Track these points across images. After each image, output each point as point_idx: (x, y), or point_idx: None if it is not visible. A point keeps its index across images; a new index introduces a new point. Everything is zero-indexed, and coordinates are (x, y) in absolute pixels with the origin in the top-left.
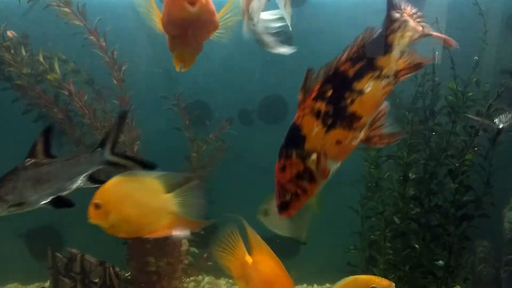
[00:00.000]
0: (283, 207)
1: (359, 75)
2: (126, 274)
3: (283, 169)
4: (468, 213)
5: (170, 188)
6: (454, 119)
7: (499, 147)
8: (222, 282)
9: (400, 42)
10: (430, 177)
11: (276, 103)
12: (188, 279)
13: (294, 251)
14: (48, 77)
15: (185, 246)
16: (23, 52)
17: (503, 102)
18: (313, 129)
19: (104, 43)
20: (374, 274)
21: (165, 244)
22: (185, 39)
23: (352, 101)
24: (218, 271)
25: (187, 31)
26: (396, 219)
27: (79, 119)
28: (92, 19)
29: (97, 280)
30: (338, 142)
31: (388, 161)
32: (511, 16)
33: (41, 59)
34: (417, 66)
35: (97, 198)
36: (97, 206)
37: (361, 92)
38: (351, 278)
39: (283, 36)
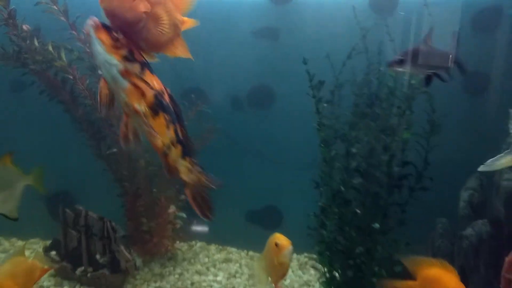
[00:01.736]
0: None
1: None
2: (125, 233)
3: None
4: (402, 184)
5: None
6: (392, 102)
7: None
8: (213, 247)
9: None
10: (369, 152)
11: (264, 91)
12: (182, 243)
13: (276, 223)
14: (56, 64)
15: (171, 209)
16: (36, 43)
17: (468, 91)
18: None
19: (83, 37)
20: (324, 237)
21: (154, 208)
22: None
23: None
24: (210, 238)
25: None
26: (342, 188)
27: (82, 100)
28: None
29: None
30: None
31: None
32: (478, 13)
33: (50, 49)
34: None
35: None
36: None
37: None
38: (272, 235)
39: (269, 31)
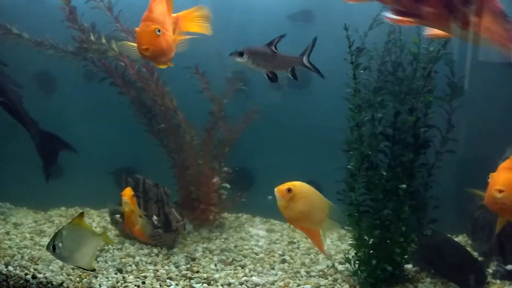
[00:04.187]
0: None
1: None
2: (176, 199)
3: None
4: (425, 143)
5: None
6: (415, 67)
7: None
8: (257, 219)
9: None
10: (395, 115)
11: (301, 71)
12: (230, 214)
13: None
14: (108, 54)
15: (215, 179)
16: (92, 38)
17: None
18: None
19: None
20: (352, 200)
21: (200, 177)
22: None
23: None
24: (254, 211)
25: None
26: (369, 152)
27: (133, 83)
28: None
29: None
30: None
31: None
32: None
33: (103, 41)
34: None
35: None
36: None
37: None
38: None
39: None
